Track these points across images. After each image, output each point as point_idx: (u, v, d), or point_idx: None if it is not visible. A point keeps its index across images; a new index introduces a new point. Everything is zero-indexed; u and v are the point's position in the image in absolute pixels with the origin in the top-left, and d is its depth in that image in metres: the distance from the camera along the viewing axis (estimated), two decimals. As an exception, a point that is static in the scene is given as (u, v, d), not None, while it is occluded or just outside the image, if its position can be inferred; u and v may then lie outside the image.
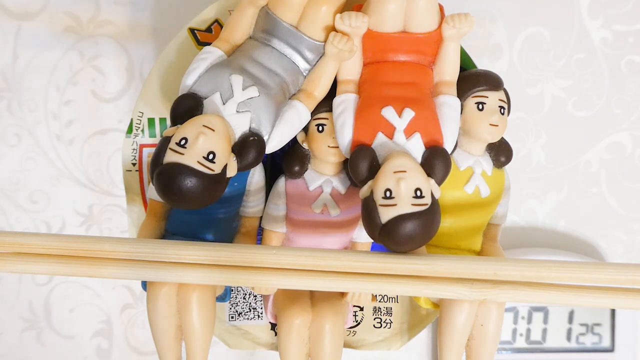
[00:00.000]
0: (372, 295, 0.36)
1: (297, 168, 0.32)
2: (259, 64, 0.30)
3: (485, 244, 0.34)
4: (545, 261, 0.28)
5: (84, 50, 0.42)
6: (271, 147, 0.30)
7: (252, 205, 0.33)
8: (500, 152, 0.33)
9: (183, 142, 0.27)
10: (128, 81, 0.42)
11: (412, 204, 0.27)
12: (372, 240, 0.30)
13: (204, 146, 0.27)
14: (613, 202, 0.43)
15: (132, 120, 0.34)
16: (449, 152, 0.30)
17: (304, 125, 0.31)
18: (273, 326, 0.36)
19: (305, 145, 0.32)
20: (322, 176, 0.32)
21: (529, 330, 0.42)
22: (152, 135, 0.34)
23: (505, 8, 0.42)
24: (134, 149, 0.34)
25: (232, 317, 0.36)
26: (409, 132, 0.29)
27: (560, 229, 0.44)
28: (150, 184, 0.30)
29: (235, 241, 0.33)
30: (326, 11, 0.30)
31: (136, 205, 0.35)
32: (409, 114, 0.29)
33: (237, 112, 0.29)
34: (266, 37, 0.31)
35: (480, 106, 0.31)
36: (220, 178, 0.28)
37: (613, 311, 0.42)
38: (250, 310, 0.37)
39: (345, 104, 0.30)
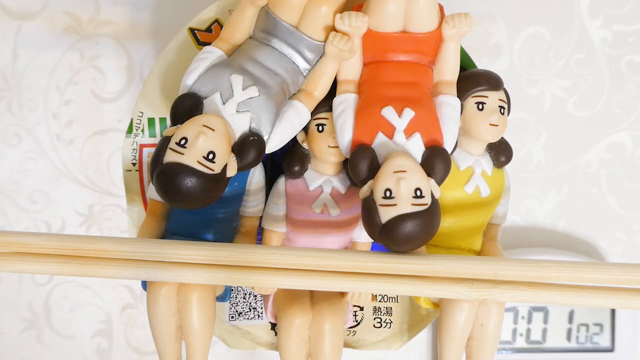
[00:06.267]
0: (372, 295, 0.36)
1: (297, 168, 0.32)
2: (259, 63, 0.30)
3: (485, 244, 0.34)
4: (545, 261, 0.28)
5: (84, 50, 0.42)
6: (271, 147, 0.30)
7: (252, 205, 0.33)
8: (500, 152, 0.33)
9: (183, 141, 0.27)
10: (128, 81, 0.42)
11: (412, 204, 0.27)
12: (372, 240, 0.30)
13: (204, 146, 0.27)
14: (613, 202, 0.43)
15: (132, 120, 0.34)
16: (449, 152, 0.30)
17: (304, 125, 0.31)
18: (273, 326, 0.36)
19: (305, 145, 0.32)
20: (322, 176, 0.32)
21: (529, 330, 0.42)
22: (152, 135, 0.34)
23: (505, 8, 0.42)
24: (134, 149, 0.34)
25: (232, 317, 0.36)
26: (409, 132, 0.29)
27: (560, 229, 0.44)
28: (150, 183, 0.30)
29: (235, 241, 0.33)
30: (326, 11, 0.30)
31: (136, 205, 0.35)
32: (409, 113, 0.29)
33: (237, 111, 0.29)
34: (266, 37, 0.31)
35: (480, 106, 0.31)
36: (220, 178, 0.28)
37: (613, 311, 0.42)
38: (250, 310, 0.37)
39: (345, 103, 0.30)
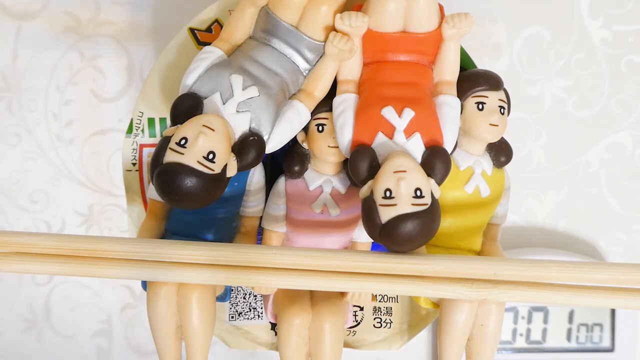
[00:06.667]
0: (372, 295, 0.36)
1: (297, 168, 0.32)
2: (259, 63, 0.30)
3: (485, 244, 0.34)
4: (545, 261, 0.28)
5: (84, 50, 0.42)
6: (271, 147, 0.30)
7: (252, 205, 0.33)
8: (500, 151, 0.33)
9: (183, 141, 0.27)
10: (128, 81, 0.42)
11: (412, 204, 0.27)
12: (372, 240, 0.30)
13: (204, 146, 0.27)
14: (613, 202, 0.43)
15: (132, 120, 0.34)
16: (449, 152, 0.30)
17: (304, 125, 0.31)
18: (273, 326, 0.36)
19: (305, 145, 0.32)
20: (322, 176, 0.32)
21: (529, 330, 0.42)
22: (152, 135, 0.34)
23: (505, 8, 0.42)
24: (134, 149, 0.34)
25: (232, 317, 0.36)
26: (409, 132, 0.29)
27: (560, 229, 0.44)
28: (150, 183, 0.30)
29: (235, 241, 0.33)
30: (326, 11, 0.30)
31: (136, 205, 0.35)
32: (409, 113, 0.29)
33: (237, 111, 0.29)
34: (266, 37, 0.31)
35: (480, 106, 0.31)
36: (220, 178, 0.28)
37: (613, 311, 0.42)
38: (250, 310, 0.37)
39: (345, 103, 0.30)
